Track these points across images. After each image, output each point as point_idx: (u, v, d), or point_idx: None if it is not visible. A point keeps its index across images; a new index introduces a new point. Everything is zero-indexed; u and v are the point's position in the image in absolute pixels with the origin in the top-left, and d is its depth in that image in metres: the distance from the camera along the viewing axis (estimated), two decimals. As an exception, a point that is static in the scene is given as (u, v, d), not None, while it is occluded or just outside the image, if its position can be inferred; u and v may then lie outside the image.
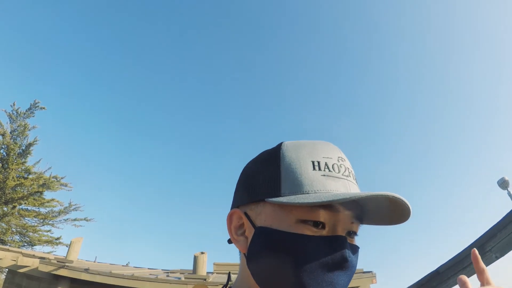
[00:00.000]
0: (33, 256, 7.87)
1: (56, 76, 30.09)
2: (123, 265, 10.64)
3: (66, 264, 7.08)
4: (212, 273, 9.21)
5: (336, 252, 0.53)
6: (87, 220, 15.16)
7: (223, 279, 7.79)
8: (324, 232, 0.55)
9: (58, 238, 14.83)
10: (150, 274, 7.58)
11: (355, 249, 0.58)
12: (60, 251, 17.30)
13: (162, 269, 9.46)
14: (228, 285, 0.65)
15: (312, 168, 0.57)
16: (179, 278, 7.04)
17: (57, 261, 7.27)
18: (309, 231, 0.54)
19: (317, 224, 0.55)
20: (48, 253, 11.41)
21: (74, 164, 29.99)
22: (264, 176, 0.61)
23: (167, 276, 7.64)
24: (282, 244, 0.55)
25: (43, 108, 15.84)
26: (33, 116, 15.62)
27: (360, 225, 0.61)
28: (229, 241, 0.64)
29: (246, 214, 0.61)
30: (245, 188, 0.64)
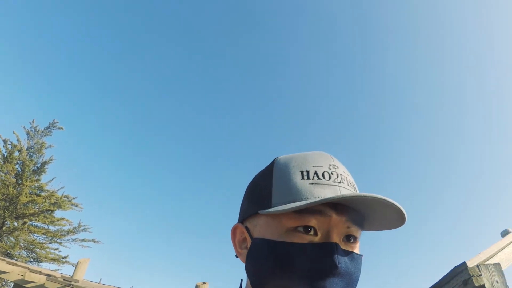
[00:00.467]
0: (40, 273, 7.89)
1: (76, 96, 30.85)
2: None
3: (72, 283, 7.15)
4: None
5: (324, 258, 0.53)
6: (94, 242, 15.19)
7: None
8: (316, 239, 0.55)
9: (65, 257, 14.84)
10: None
11: (352, 256, 0.57)
12: (65, 270, 17.23)
13: None
14: None
15: (301, 178, 0.58)
16: None
17: (64, 279, 7.34)
18: (300, 238, 0.55)
19: (307, 230, 0.55)
20: (54, 270, 11.41)
21: (86, 185, 30.19)
22: (259, 190, 0.63)
23: None
24: (272, 253, 0.56)
25: (61, 128, 16.23)
26: (51, 135, 15.98)
27: (362, 231, 0.61)
28: (236, 256, 0.66)
29: (246, 227, 0.64)
30: (245, 203, 0.67)
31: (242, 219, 0.66)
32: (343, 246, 0.57)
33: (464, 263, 1.99)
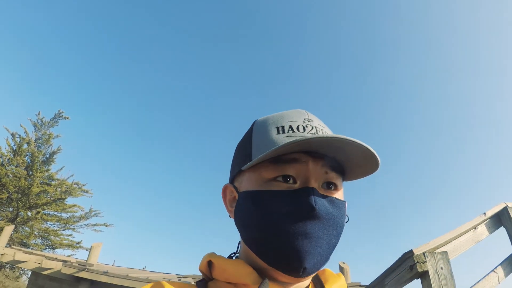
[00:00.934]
0: (56, 259, 8.25)
1: (79, 84, 31.05)
2: (139, 269, 11.06)
3: (87, 267, 7.44)
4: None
5: (302, 202, 0.54)
6: (106, 226, 15.67)
7: None
8: (295, 186, 0.57)
9: (78, 242, 15.40)
10: (164, 278, 7.80)
11: (332, 200, 0.58)
12: (80, 255, 17.93)
13: (176, 274, 9.76)
14: (236, 253, 0.68)
15: (277, 133, 0.60)
16: (189, 283, 7.28)
17: (79, 264, 7.65)
18: (279, 187, 0.57)
19: (286, 179, 0.57)
20: (69, 256, 11.92)
21: (95, 171, 30.77)
22: (243, 150, 0.66)
23: (179, 280, 7.90)
24: (253, 202, 0.58)
25: (67, 118, 16.54)
26: (57, 125, 16.33)
27: (343, 179, 0.63)
28: (230, 216, 0.68)
29: (234, 186, 0.66)
30: (232, 164, 0.70)
31: (231, 179, 0.68)
32: (322, 192, 0.58)
33: (411, 250, 2.16)
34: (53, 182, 15.31)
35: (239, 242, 0.66)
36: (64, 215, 15.40)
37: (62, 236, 15.29)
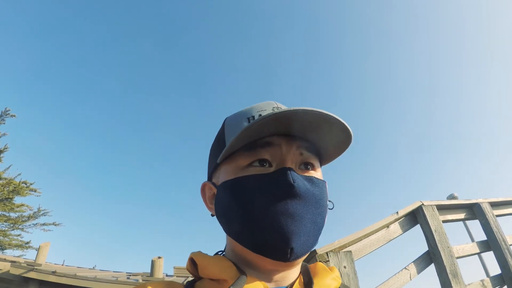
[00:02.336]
0: (5, 260, 8.06)
1: (27, 83, 29.84)
2: (89, 268, 10.92)
3: (35, 267, 7.34)
4: (172, 276, 9.60)
5: (279, 181, 0.53)
6: (55, 225, 15.46)
7: (181, 281, 8.46)
8: (272, 169, 0.56)
9: (27, 243, 15.14)
10: (113, 277, 8.07)
11: (311, 179, 0.57)
12: (29, 255, 17.55)
13: (126, 272, 9.83)
14: (222, 251, 0.66)
15: (247, 123, 0.60)
16: (137, 280, 7.57)
17: (27, 265, 7.53)
18: (255, 171, 0.56)
19: (262, 163, 0.56)
20: (18, 256, 11.70)
21: (43, 170, 29.81)
22: (217, 145, 0.65)
23: (128, 278, 8.14)
24: (231, 191, 0.57)
25: (13, 115, 16.05)
26: (4, 123, 15.85)
27: (318, 158, 0.62)
28: (212, 215, 0.66)
29: (212, 183, 0.65)
30: (208, 163, 0.68)
31: (209, 177, 0.67)
32: (300, 172, 0.58)
33: (314, 250, 2.12)
34: (0, 181, 14.91)
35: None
36: (12, 214, 15.01)
37: (11, 237, 14.94)
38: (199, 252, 0.61)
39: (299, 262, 0.59)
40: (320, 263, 0.64)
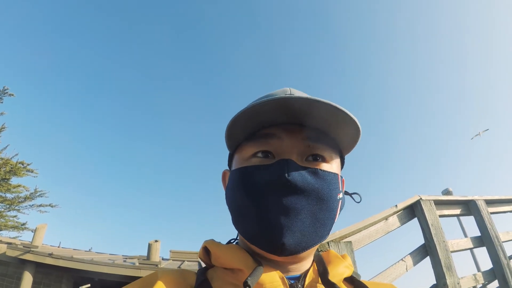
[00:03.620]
0: (0, 242, 8.13)
1: (24, 61, 29.55)
2: (86, 251, 11.05)
3: (32, 249, 7.37)
4: (168, 259, 9.76)
5: (274, 173, 0.52)
6: (52, 206, 15.38)
7: (177, 265, 8.54)
8: (273, 162, 0.55)
9: (24, 224, 15.11)
10: (109, 259, 8.12)
11: (315, 172, 0.55)
12: (25, 236, 17.59)
13: (122, 255, 9.95)
14: (236, 239, 0.66)
15: None
16: (134, 263, 7.61)
17: (24, 246, 7.55)
18: (258, 162, 0.56)
19: (267, 155, 0.56)
20: (14, 238, 11.68)
21: (41, 150, 29.73)
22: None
23: (124, 261, 8.19)
24: (235, 180, 0.58)
25: (12, 95, 15.87)
26: (2, 102, 15.70)
27: (332, 148, 0.59)
28: None
29: (230, 170, 0.66)
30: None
31: (228, 164, 0.68)
32: (306, 164, 0.56)
33: None
34: (-3, 162, 14.84)
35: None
36: (8, 195, 14.97)
37: (7, 218, 14.92)
38: (212, 240, 0.60)
39: (306, 255, 0.57)
40: (333, 251, 0.63)
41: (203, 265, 0.62)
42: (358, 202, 0.62)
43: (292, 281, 0.53)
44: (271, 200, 0.51)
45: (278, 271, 0.53)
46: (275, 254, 0.51)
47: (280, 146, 0.56)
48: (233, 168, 0.61)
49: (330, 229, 0.56)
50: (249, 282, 0.46)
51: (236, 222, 0.57)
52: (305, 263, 0.58)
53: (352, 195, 0.63)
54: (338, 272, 0.57)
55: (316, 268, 0.58)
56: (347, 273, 0.59)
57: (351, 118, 0.53)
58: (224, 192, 0.66)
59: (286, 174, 0.51)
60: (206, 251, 0.60)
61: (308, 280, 0.55)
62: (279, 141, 0.56)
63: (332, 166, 0.58)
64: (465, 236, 5.67)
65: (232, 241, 0.65)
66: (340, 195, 0.59)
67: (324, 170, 0.56)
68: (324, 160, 0.57)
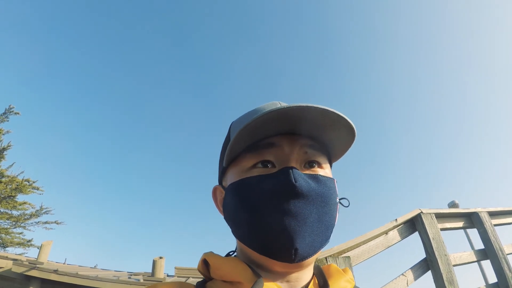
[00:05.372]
0: (6, 258, 8.06)
1: (28, 78, 29.95)
2: (91, 267, 10.96)
3: (37, 265, 7.37)
4: (173, 276, 9.71)
5: (281, 181, 0.53)
6: (57, 223, 15.47)
7: None
8: (275, 170, 0.56)
9: (29, 241, 15.14)
10: (114, 276, 8.08)
11: (316, 177, 0.56)
12: (31, 253, 17.60)
13: (127, 272, 9.81)
14: (234, 252, 0.65)
15: None
16: (138, 280, 7.57)
17: (29, 263, 7.55)
18: (259, 172, 0.56)
19: (266, 165, 0.56)
20: (20, 254, 11.69)
21: (46, 168, 29.87)
22: (223, 151, 0.65)
23: (129, 277, 8.14)
24: (236, 193, 0.57)
25: (17, 113, 16.11)
26: (7, 121, 15.88)
27: (325, 155, 0.61)
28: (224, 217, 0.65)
29: (222, 186, 0.65)
30: (218, 167, 0.68)
31: (219, 181, 0.68)
32: (304, 171, 0.57)
33: None
34: (3, 179, 14.84)
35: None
36: (14, 212, 15.03)
37: (13, 234, 14.92)
38: (211, 252, 0.61)
39: (310, 263, 0.58)
40: (334, 265, 0.63)
41: None
42: (346, 207, 0.62)
43: None
44: (280, 207, 0.52)
45: (277, 283, 0.54)
46: (286, 261, 0.51)
47: (281, 155, 0.57)
48: (230, 181, 0.60)
49: (331, 233, 0.57)
50: None
51: (241, 234, 0.57)
52: (307, 275, 0.58)
53: (340, 200, 0.63)
54: (340, 286, 0.58)
55: (317, 281, 0.58)
56: (349, 287, 0.60)
57: (346, 120, 0.54)
58: (215, 208, 0.68)
59: (294, 181, 0.52)
60: (205, 264, 0.60)
61: None
62: (279, 150, 0.57)
63: (326, 171, 0.61)
64: (472, 248, 5.57)
65: (231, 253, 0.65)
66: (337, 199, 0.60)
67: (323, 176, 0.58)
68: (320, 166, 0.60)
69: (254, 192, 0.55)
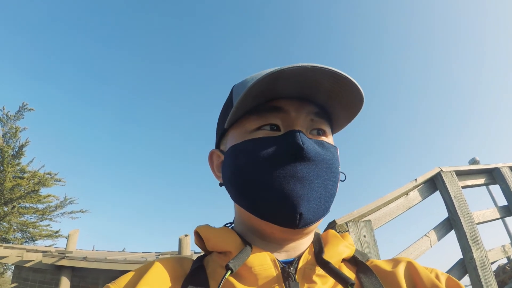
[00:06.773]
0: (36, 251, 8.28)
1: (41, 71, 30.16)
2: (119, 251, 11.25)
3: (66, 255, 7.56)
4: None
5: (289, 143, 0.51)
6: (82, 212, 15.89)
7: None
8: (281, 133, 0.54)
9: (57, 232, 15.60)
10: (142, 258, 8.27)
11: (322, 143, 0.56)
12: (60, 243, 18.17)
13: (155, 252, 9.97)
14: (231, 223, 0.64)
15: None
16: (190, 257, 7.67)
17: (58, 253, 7.75)
18: (265, 134, 0.54)
19: (272, 128, 0.55)
20: (49, 246, 12.10)
21: (64, 157, 30.45)
22: (224, 112, 0.63)
23: (157, 257, 8.16)
24: (239, 154, 0.55)
25: (32, 109, 16.30)
26: (23, 118, 16.10)
27: (329, 123, 0.60)
28: (220, 184, 0.63)
29: (220, 150, 0.64)
30: (216, 131, 0.66)
31: (217, 144, 0.66)
32: (310, 137, 0.56)
33: (333, 221, 2.14)
34: (25, 175, 15.16)
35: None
36: (40, 206, 15.43)
37: (40, 227, 15.36)
38: (206, 225, 0.59)
39: (311, 231, 0.56)
40: (332, 230, 0.61)
41: None
42: (343, 181, 0.60)
43: (285, 265, 0.51)
44: (286, 170, 0.50)
45: (268, 252, 0.52)
46: (290, 226, 0.50)
47: (287, 119, 0.55)
48: (232, 143, 0.58)
49: (332, 203, 0.55)
50: (230, 265, 0.45)
51: (242, 198, 0.55)
52: (305, 244, 0.57)
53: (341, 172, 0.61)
54: (337, 251, 0.55)
55: (313, 248, 0.56)
56: (347, 253, 0.57)
57: (357, 89, 0.52)
58: (211, 174, 0.66)
59: (301, 143, 0.51)
60: (200, 237, 0.59)
61: (302, 262, 0.52)
62: (286, 115, 0.55)
63: (331, 140, 0.60)
64: (495, 205, 5.49)
65: (227, 225, 0.63)
66: (340, 168, 0.59)
67: (328, 143, 0.57)
68: (324, 134, 0.58)
69: (259, 154, 0.52)
